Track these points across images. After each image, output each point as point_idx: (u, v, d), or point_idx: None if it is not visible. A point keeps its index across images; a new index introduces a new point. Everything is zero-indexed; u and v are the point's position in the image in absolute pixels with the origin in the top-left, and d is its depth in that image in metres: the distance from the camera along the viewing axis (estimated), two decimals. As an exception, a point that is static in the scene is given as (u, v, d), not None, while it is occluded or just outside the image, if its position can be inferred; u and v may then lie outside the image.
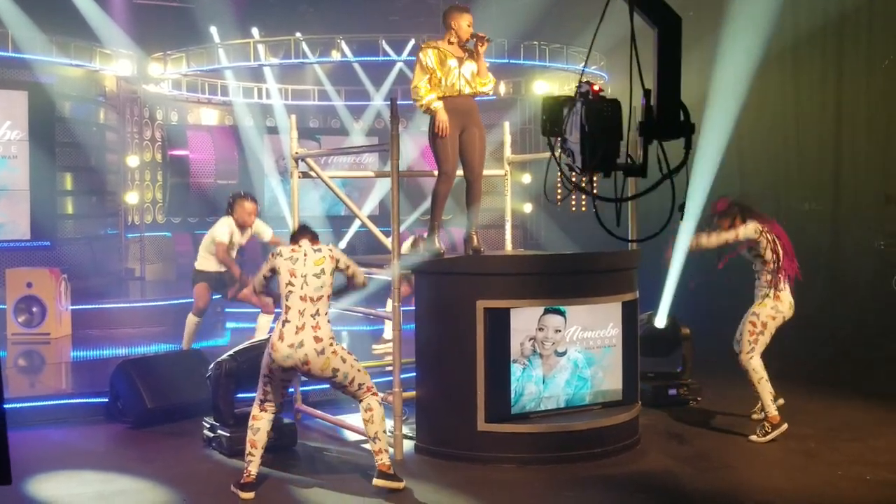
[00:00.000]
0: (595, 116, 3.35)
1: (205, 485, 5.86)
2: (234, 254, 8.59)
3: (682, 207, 3.41)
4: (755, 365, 6.83)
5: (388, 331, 9.90)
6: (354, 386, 5.67)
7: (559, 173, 3.54)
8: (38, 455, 6.51)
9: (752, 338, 6.85)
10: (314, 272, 5.57)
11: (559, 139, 3.50)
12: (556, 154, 3.49)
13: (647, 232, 3.60)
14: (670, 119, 3.36)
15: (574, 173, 3.46)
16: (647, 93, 3.34)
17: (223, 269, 8.53)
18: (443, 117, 6.57)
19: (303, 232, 5.85)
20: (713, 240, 6.88)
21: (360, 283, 5.97)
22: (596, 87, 3.40)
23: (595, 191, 3.51)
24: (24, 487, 5.79)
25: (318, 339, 5.51)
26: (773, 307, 6.86)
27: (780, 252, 6.84)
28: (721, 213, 6.98)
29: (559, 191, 15.75)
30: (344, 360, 5.62)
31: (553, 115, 3.51)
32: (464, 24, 6.68)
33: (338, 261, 5.72)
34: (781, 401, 7.06)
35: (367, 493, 5.59)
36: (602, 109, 3.37)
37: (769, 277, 6.87)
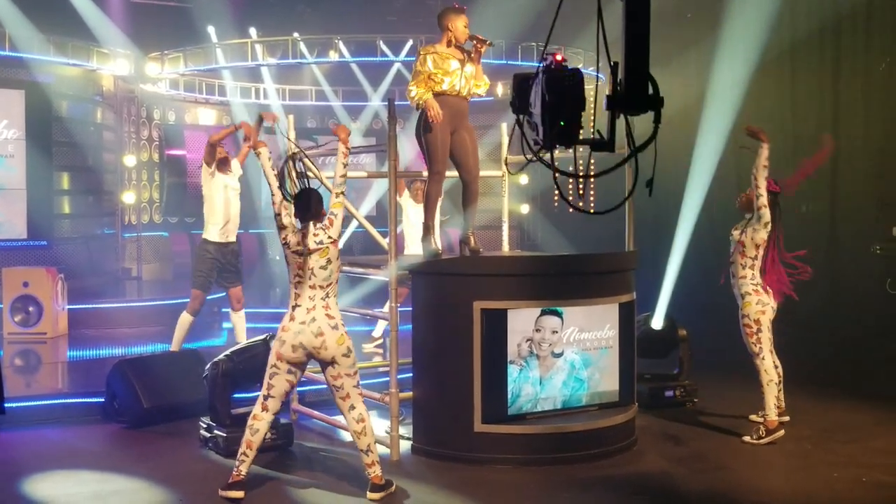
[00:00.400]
0: (555, 85, 3.27)
1: (201, 485, 5.85)
2: (235, 200, 8.88)
3: (649, 183, 3.36)
4: (767, 366, 6.85)
5: (378, 329, 9.93)
6: (354, 381, 5.60)
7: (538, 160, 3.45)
8: (35, 455, 6.51)
9: (754, 339, 6.86)
10: (321, 265, 5.54)
11: (527, 116, 3.43)
12: (520, 119, 3.41)
13: (646, 218, 3.54)
14: (638, 92, 3.28)
15: (536, 145, 3.39)
16: (614, 66, 3.27)
17: (227, 242, 8.70)
18: (433, 105, 6.49)
19: (307, 210, 5.65)
20: (760, 167, 6.80)
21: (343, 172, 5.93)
22: (559, 58, 3.33)
23: (591, 170, 3.42)
24: (21, 487, 5.79)
25: (330, 317, 5.51)
26: (759, 301, 6.88)
27: (762, 257, 6.89)
28: (771, 187, 6.99)
29: (556, 190, 15.77)
30: (352, 348, 5.60)
31: (521, 92, 3.44)
32: (460, 25, 6.64)
33: (339, 237, 5.65)
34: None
35: (363, 494, 5.58)
36: (563, 78, 3.29)
37: (745, 273, 6.89)
